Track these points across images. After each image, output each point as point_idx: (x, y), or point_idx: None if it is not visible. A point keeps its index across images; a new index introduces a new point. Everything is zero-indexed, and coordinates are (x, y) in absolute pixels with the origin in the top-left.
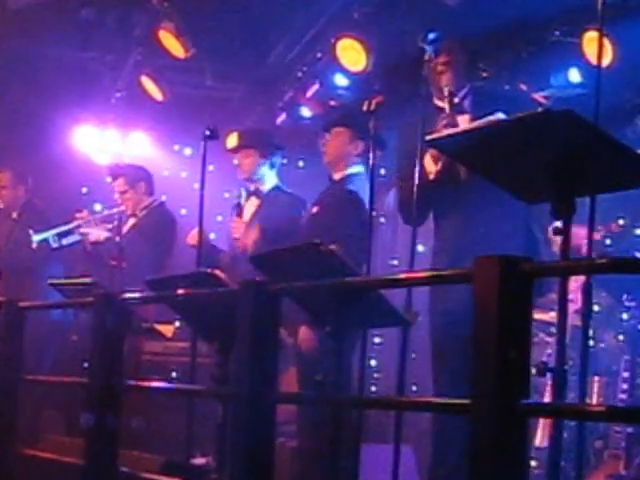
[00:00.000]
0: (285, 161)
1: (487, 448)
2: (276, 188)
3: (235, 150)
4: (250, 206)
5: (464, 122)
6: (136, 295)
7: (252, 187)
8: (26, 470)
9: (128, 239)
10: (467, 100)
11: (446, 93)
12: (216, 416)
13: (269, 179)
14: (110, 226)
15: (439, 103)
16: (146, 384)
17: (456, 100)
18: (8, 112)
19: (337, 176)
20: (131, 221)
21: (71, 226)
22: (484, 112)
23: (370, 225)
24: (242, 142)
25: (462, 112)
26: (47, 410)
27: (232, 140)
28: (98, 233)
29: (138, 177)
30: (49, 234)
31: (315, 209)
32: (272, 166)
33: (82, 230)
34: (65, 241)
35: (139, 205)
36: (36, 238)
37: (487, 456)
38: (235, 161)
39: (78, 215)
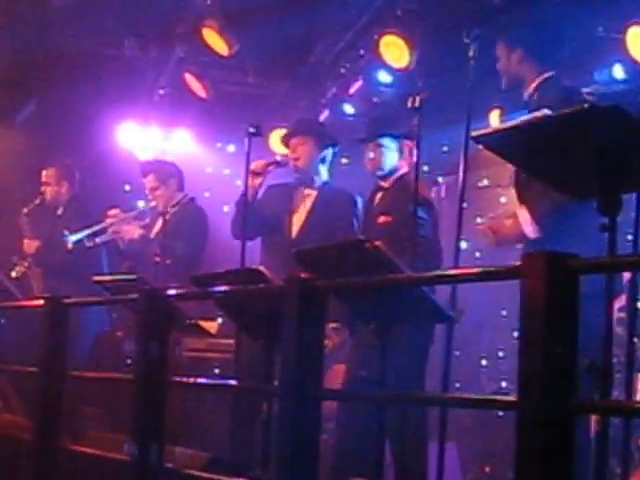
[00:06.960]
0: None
1: (535, 445)
2: (327, 184)
3: (291, 135)
4: (304, 198)
5: None
6: (180, 291)
7: (302, 177)
8: (71, 465)
9: (161, 236)
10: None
11: None
12: (261, 413)
13: (322, 173)
14: (143, 223)
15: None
16: (192, 380)
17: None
18: (52, 109)
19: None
20: (162, 218)
21: (103, 225)
22: None
23: (414, 222)
24: (299, 128)
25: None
26: (90, 407)
27: (286, 131)
28: (132, 231)
29: (169, 173)
30: (83, 234)
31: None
32: (324, 161)
33: (114, 228)
34: (99, 240)
35: (170, 201)
36: (72, 238)
37: (535, 453)
38: (289, 152)
39: (110, 213)
